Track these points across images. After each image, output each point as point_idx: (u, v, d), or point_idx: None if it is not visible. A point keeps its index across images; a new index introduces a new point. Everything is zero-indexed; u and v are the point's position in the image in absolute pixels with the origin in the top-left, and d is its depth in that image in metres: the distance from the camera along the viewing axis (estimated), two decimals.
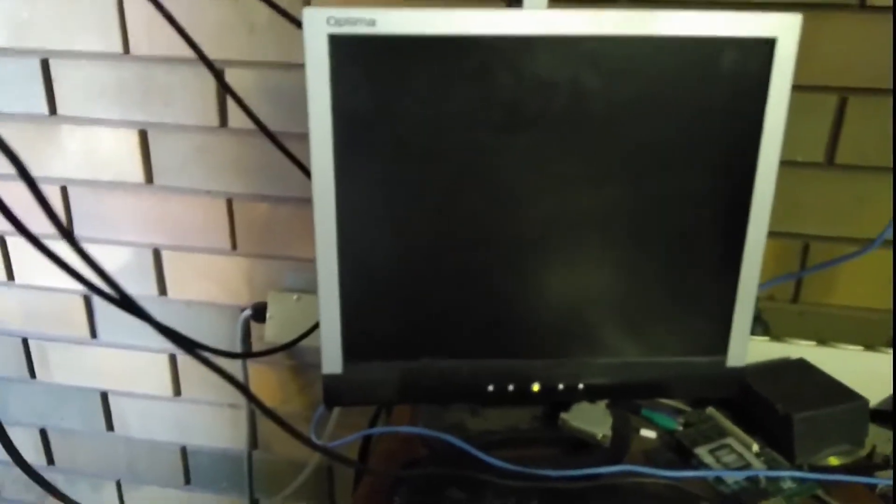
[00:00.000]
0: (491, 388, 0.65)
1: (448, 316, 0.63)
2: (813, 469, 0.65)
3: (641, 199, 0.59)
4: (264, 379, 0.95)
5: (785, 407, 0.66)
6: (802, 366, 0.74)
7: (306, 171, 0.77)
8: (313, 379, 0.94)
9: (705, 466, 0.65)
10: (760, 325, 0.77)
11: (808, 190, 0.76)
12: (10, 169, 0.91)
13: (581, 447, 0.67)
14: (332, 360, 0.62)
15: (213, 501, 1.06)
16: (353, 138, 0.56)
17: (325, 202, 0.58)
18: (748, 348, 0.65)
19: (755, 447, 0.67)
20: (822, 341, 0.76)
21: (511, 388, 0.65)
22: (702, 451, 0.67)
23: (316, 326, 0.82)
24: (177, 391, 0.99)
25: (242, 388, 0.45)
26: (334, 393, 0.64)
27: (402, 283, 0.61)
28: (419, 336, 0.63)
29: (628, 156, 0.58)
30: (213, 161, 0.85)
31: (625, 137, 0.57)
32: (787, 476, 0.64)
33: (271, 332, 0.83)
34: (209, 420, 1.00)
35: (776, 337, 0.76)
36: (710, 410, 0.73)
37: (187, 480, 1.06)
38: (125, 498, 1.09)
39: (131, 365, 0.99)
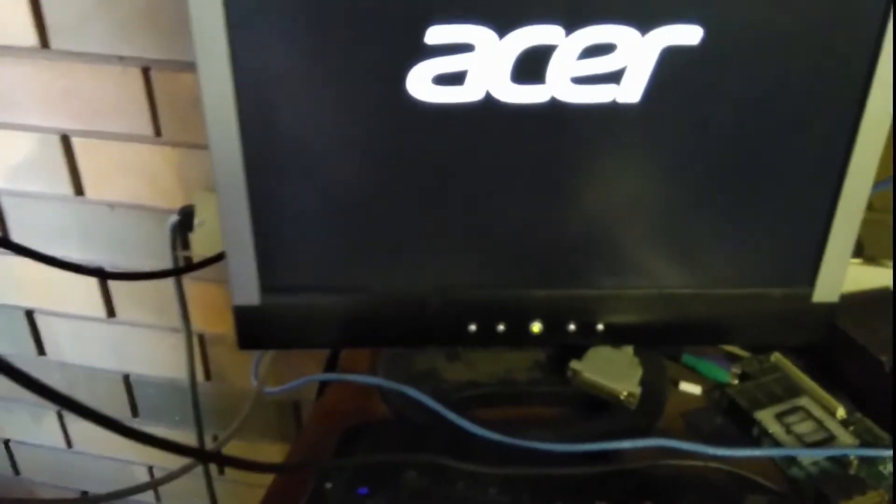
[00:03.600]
0: (473, 327, 0.46)
1: (409, 226, 0.43)
2: None
3: (707, 44, 0.38)
4: (208, 298, 0.77)
5: (892, 359, 0.47)
6: None
7: None
8: None
9: (770, 438, 0.47)
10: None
11: None
12: None
13: (598, 409, 0.49)
14: (244, 287, 0.44)
15: (165, 436, 0.91)
16: None
17: (214, 59, 0.37)
18: (844, 278, 0.45)
19: (841, 412, 0.48)
20: None
21: (501, 328, 0.46)
22: (765, 416, 0.48)
23: None
24: (110, 312, 0.82)
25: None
26: (251, 332, 0.45)
27: (340, 178, 0.42)
28: (368, 256, 0.44)
29: None
30: (121, 15, 0.64)
31: None
32: (890, 456, 0.45)
33: (200, 241, 0.64)
34: (150, 346, 0.83)
35: (871, 259, 0.56)
36: (777, 357, 0.53)
37: (135, 412, 0.91)
38: (68, 429, 0.95)
39: (55, 279, 0.81)
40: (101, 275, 0.53)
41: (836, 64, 0.39)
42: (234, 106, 0.39)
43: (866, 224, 0.59)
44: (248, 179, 0.41)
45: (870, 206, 0.59)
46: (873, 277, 0.55)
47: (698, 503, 0.40)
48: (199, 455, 0.31)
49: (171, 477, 0.57)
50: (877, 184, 0.44)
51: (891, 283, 0.55)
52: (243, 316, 0.44)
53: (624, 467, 0.42)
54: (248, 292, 0.44)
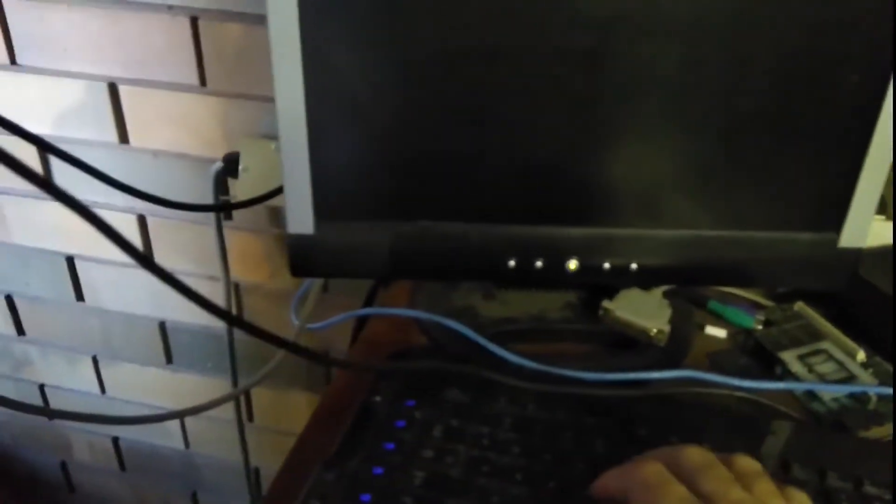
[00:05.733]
0: (512, 262, 0.48)
1: (456, 162, 0.45)
2: None
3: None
4: (247, 248, 0.80)
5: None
6: None
7: None
8: None
9: (793, 376, 0.49)
10: None
11: None
12: None
13: (628, 345, 0.51)
14: (299, 216, 0.46)
15: (197, 383, 0.94)
16: None
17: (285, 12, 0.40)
18: (870, 225, 0.47)
19: (861, 355, 0.50)
20: None
21: (539, 264, 0.48)
22: (788, 357, 0.50)
23: None
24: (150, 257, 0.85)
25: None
26: (303, 260, 0.48)
27: (393, 114, 0.44)
28: (416, 188, 0.46)
29: None
30: None
31: None
32: None
33: (243, 188, 0.67)
34: None
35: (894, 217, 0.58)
36: (800, 306, 0.56)
37: (169, 359, 0.94)
38: (103, 375, 0.99)
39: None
40: (148, 198, 0.55)
41: (872, 12, 0.41)
42: (299, 46, 0.41)
43: (889, 182, 0.61)
44: (308, 113, 0.43)
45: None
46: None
47: (723, 428, 0.42)
48: (225, 315, 0.32)
49: (199, 409, 0.58)
50: None
51: None
52: (297, 244, 0.47)
53: (653, 392, 0.45)
54: (304, 221, 0.46)
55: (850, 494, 0.37)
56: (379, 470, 0.37)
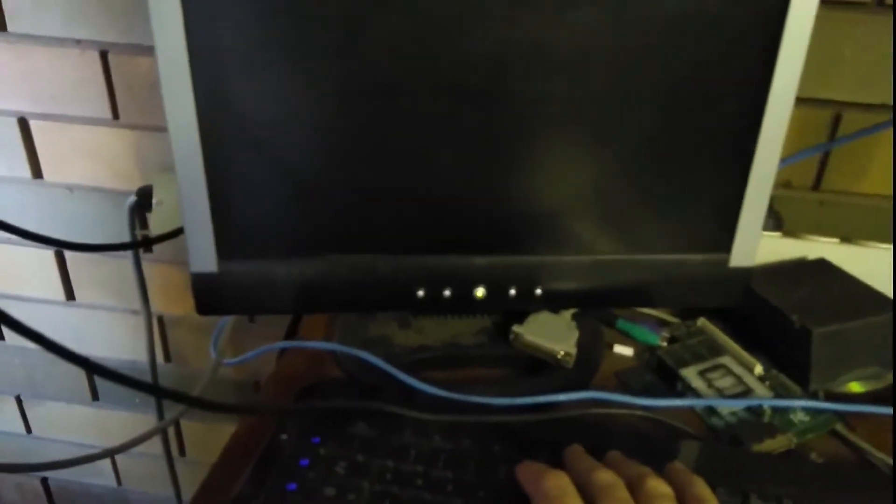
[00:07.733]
0: (421, 292, 0.49)
1: (359, 195, 0.46)
2: (830, 397, 0.51)
3: (629, 30, 0.41)
4: (167, 280, 0.79)
5: (802, 318, 0.51)
6: (823, 268, 0.58)
7: None
8: None
9: (693, 392, 0.51)
10: (772, 218, 0.61)
11: (847, 39, 0.59)
12: None
13: (537, 368, 0.53)
14: (201, 254, 0.46)
15: (125, 419, 0.92)
16: None
17: (170, 38, 0.40)
18: (758, 245, 0.50)
19: (758, 369, 0.53)
20: (847, 238, 0.60)
21: (448, 292, 0.49)
22: (689, 373, 0.52)
23: None
24: (70, 295, 0.83)
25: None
26: (209, 298, 0.48)
27: (292, 148, 0.44)
28: (321, 222, 0.47)
29: None
30: None
31: None
32: (800, 406, 0.49)
33: (159, 221, 0.66)
34: (110, 329, 0.85)
35: (790, 232, 0.61)
36: (703, 322, 0.58)
37: (95, 396, 0.92)
38: (28, 414, 0.96)
39: (12, 262, 0.82)
40: (60, 244, 0.54)
41: (745, 47, 0.43)
42: (190, 81, 0.41)
43: (786, 201, 0.65)
44: (204, 150, 0.43)
45: (788, 184, 0.65)
46: (791, 250, 0.60)
47: (625, 446, 0.43)
48: (151, 389, 0.33)
49: (127, 446, 0.58)
50: (784, 159, 0.49)
51: (806, 255, 0.60)
52: (201, 283, 0.47)
53: (557, 416, 0.46)
54: (206, 260, 0.46)
55: None
56: None
